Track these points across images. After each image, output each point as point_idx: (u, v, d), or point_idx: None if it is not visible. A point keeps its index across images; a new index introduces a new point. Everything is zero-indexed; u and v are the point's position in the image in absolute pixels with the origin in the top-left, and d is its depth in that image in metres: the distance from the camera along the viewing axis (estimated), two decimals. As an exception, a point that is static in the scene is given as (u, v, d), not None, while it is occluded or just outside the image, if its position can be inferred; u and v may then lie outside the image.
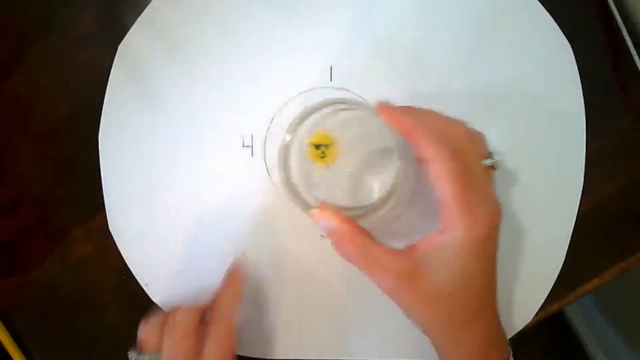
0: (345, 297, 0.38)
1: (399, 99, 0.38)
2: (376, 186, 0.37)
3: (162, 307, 0.39)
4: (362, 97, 0.39)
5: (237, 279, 0.36)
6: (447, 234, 0.30)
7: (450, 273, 0.30)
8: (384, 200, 0.36)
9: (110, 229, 0.39)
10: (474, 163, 0.31)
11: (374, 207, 0.36)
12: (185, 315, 0.33)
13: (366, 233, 0.32)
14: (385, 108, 0.31)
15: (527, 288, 0.38)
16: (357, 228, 0.32)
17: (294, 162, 0.36)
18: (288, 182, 0.35)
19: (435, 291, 0.30)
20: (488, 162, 0.32)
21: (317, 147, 0.38)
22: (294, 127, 0.35)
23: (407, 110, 0.32)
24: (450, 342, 0.32)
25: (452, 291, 0.30)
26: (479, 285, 0.30)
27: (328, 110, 0.36)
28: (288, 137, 0.35)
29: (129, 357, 0.34)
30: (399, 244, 0.37)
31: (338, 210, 0.33)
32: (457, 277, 0.30)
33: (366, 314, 0.38)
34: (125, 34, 0.39)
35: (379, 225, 0.38)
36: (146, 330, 0.34)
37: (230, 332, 0.33)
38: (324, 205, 0.32)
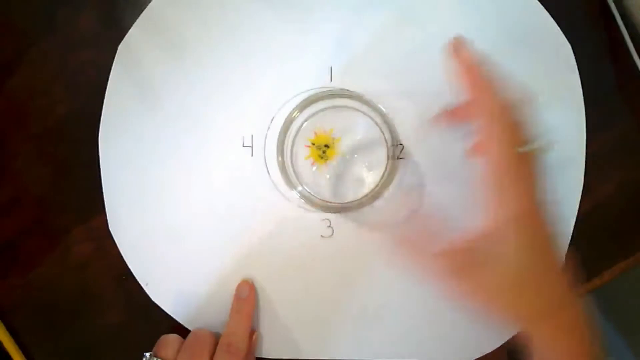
0: (345, 297, 0.38)
1: (398, 97, 0.38)
2: (366, 181, 0.37)
3: (163, 308, 0.39)
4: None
5: (246, 307, 0.37)
6: (499, 213, 0.30)
7: (518, 254, 0.29)
8: (373, 195, 0.37)
9: (110, 229, 0.39)
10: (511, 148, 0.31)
11: (363, 202, 0.36)
12: (202, 337, 0.36)
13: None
14: (460, 48, 0.31)
15: (527, 288, 0.38)
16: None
17: (288, 151, 0.37)
18: (282, 164, 0.37)
19: (510, 277, 0.30)
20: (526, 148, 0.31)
21: (317, 147, 0.38)
22: (302, 107, 0.37)
23: (481, 64, 0.31)
24: (539, 334, 0.31)
25: (513, 275, 0.30)
26: (552, 262, 0.30)
27: (332, 102, 0.37)
28: (295, 113, 0.37)
29: (144, 356, 0.35)
30: (389, 236, 0.38)
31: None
32: (528, 255, 0.29)
33: (366, 314, 0.38)
34: (125, 34, 0.39)
35: (369, 218, 0.38)
36: (165, 341, 0.36)
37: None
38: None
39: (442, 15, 0.39)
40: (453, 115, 0.34)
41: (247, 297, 0.38)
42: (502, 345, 0.38)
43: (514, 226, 0.29)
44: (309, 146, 0.38)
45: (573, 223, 0.38)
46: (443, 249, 0.31)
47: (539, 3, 0.38)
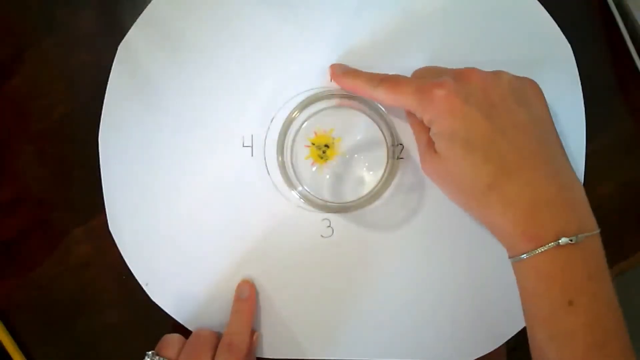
0: (345, 296, 0.38)
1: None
2: (366, 181, 0.38)
3: (163, 308, 0.39)
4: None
5: (247, 307, 0.38)
6: (420, 113, 0.32)
7: (444, 139, 0.31)
8: (373, 195, 0.37)
9: (110, 229, 0.39)
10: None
11: (363, 202, 0.36)
12: (204, 337, 0.36)
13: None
14: (337, 74, 0.36)
15: (527, 288, 0.38)
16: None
17: (288, 151, 0.37)
18: (282, 163, 0.37)
19: (447, 166, 0.31)
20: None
21: (317, 147, 0.38)
22: (302, 107, 0.37)
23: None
24: (482, 211, 0.31)
25: (456, 157, 0.30)
26: (480, 144, 0.30)
27: (332, 102, 0.37)
28: (295, 113, 0.37)
29: (146, 355, 0.35)
30: (389, 236, 0.38)
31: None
32: (450, 140, 0.30)
33: (365, 313, 0.38)
34: (125, 34, 0.39)
35: (369, 218, 0.38)
36: (167, 341, 0.36)
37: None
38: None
39: (442, 15, 0.39)
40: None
41: (247, 297, 0.38)
42: (502, 345, 0.38)
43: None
44: (309, 146, 0.38)
45: (573, 223, 0.38)
46: None
47: (538, 3, 0.38)
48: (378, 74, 0.34)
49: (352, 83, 0.35)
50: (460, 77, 0.31)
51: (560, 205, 0.29)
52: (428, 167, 0.34)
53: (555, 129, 0.33)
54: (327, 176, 0.38)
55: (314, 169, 0.38)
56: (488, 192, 0.30)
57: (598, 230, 0.30)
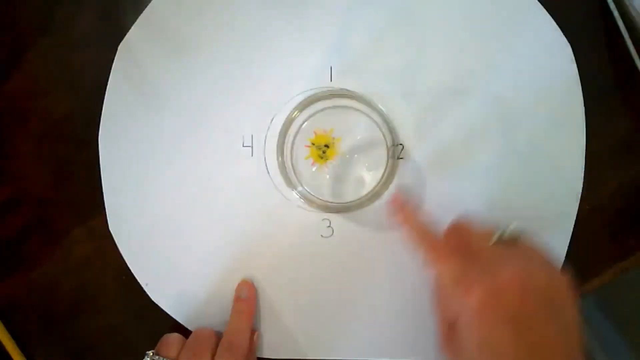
0: (345, 296, 0.38)
1: (398, 97, 0.38)
2: (366, 181, 0.38)
3: (163, 308, 0.39)
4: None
5: (247, 307, 0.38)
6: (452, 312, 0.31)
7: (474, 347, 0.30)
8: (373, 195, 0.37)
9: (110, 229, 0.39)
10: (478, 247, 0.32)
11: (363, 202, 0.37)
12: (205, 336, 0.36)
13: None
14: (399, 208, 0.35)
15: (527, 288, 0.38)
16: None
17: (288, 151, 0.38)
18: (282, 164, 0.37)
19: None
20: (495, 238, 0.32)
21: (317, 147, 0.38)
22: (302, 107, 0.37)
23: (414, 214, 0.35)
24: None
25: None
26: (511, 355, 0.29)
27: (332, 102, 0.37)
28: (295, 113, 0.37)
29: (146, 354, 0.35)
30: (389, 235, 0.38)
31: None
32: (479, 349, 0.29)
33: (365, 313, 0.38)
34: (125, 34, 0.39)
35: (369, 218, 0.38)
36: (167, 340, 0.36)
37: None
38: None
39: (441, 15, 0.39)
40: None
41: (247, 297, 0.38)
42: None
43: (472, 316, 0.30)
44: (309, 146, 0.38)
45: (573, 223, 0.38)
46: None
47: (539, 3, 0.38)
48: (427, 234, 0.34)
49: (404, 226, 0.35)
50: (496, 280, 0.30)
51: None
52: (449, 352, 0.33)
53: (582, 338, 0.31)
54: (327, 176, 0.38)
55: (314, 169, 0.38)
56: None
57: None
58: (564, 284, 0.31)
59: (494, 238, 0.32)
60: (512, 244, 0.32)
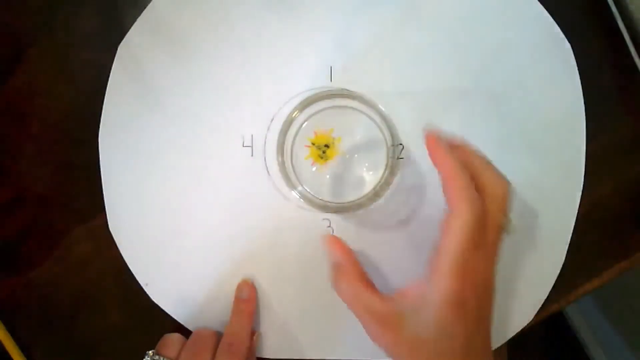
0: (345, 297, 0.38)
1: (398, 97, 0.38)
2: (367, 181, 0.38)
3: (163, 308, 0.39)
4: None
5: (247, 308, 0.38)
6: (433, 286, 0.30)
7: (433, 326, 0.30)
8: (373, 195, 0.37)
9: (110, 229, 0.39)
10: (497, 227, 0.31)
11: (363, 202, 0.37)
12: (205, 336, 0.36)
13: (362, 276, 0.33)
14: (433, 141, 0.31)
15: (527, 288, 0.38)
16: (356, 268, 0.33)
17: (288, 151, 0.37)
18: (282, 163, 0.37)
19: (419, 341, 0.30)
20: (503, 225, 0.32)
21: (317, 147, 0.38)
22: (302, 107, 0.37)
23: (453, 147, 0.32)
24: None
25: (435, 343, 0.30)
26: (461, 341, 0.30)
27: (332, 102, 0.37)
28: (295, 113, 0.37)
29: (146, 354, 0.35)
30: (389, 235, 0.38)
31: (344, 244, 0.35)
32: (441, 330, 0.29)
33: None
34: (125, 34, 0.39)
35: (369, 218, 0.38)
36: (168, 340, 0.36)
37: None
38: (334, 237, 0.35)
39: (442, 15, 0.39)
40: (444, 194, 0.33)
41: (247, 297, 0.38)
42: (502, 345, 0.38)
43: (456, 303, 0.29)
44: (309, 146, 0.38)
45: (573, 223, 0.38)
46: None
47: (539, 3, 0.38)
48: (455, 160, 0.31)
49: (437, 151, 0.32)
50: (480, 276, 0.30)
51: None
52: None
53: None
54: (327, 176, 0.38)
55: (314, 169, 0.38)
56: None
57: None
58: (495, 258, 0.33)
59: (508, 231, 0.32)
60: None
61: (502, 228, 0.31)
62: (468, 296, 0.30)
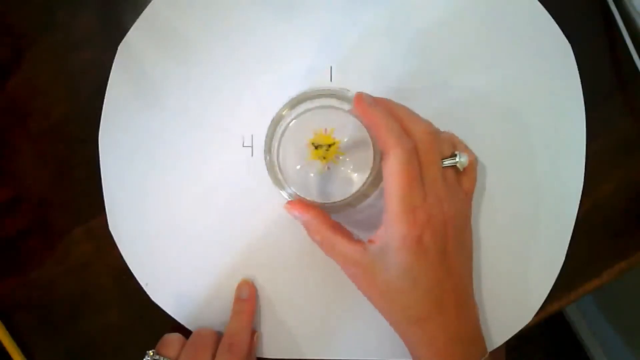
0: (345, 296, 0.38)
1: (398, 97, 0.38)
2: (354, 181, 0.37)
3: (163, 308, 0.39)
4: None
5: (247, 307, 0.38)
6: (388, 229, 0.31)
7: (396, 270, 0.31)
8: (361, 195, 0.36)
9: (110, 229, 0.39)
10: (431, 163, 0.32)
11: (351, 201, 0.36)
12: (205, 336, 0.36)
13: (334, 225, 0.34)
14: (359, 99, 0.32)
15: (527, 288, 0.38)
16: (325, 219, 0.34)
17: (282, 151, 0.37)
18: (270, 161, 0.36)
19: (387, 286, 0.31)
20: (447, 162, 0.33)
21: (318, 147, 0.38)
22: (293, 104, 0.36)
23: (377, 101, 0.33)
24: (407, 336, 0.33)
25: (402, 288, 0.31)
26: (426, 284, 0.31)
27: (320, 101, 0.37)
28: (285, 111, 0.36)
29: (146, 354, 0.35)
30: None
31: (310, 203, 0.35)
32: (403, 274, 0.31)
33: (365, 313, 0.38)
34: (125, 34, 0.39)
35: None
36: (168, 340, 0.36)
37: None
38: (294, 201, 0.35)
39: (440, 15, 0.39)
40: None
41: (247, 297, 0.38)
42: (502, 345, 0.38)
43: (413, 245, 0.30)
44: (307, 146, 0.38)
45: (573, 223, 0.38)
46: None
47: (539, 3, 0.38)
48: (391, 106, 0.33)
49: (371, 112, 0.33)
50: (439, 218, 0.31)
51: (467, 340, 0.33)
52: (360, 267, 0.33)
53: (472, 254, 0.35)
54: (311, 175, 0.38)
55: (298, 167, 0.37)
56: (417, 322, 0.32)
57: (487, 354, 0.34)
58: (468, 215, 0.35)
59: (447, 163, 0.33)
60: (454, 170, 0.33)
61: (438, 165, 0.32)
62: (423, 236, 0.30)
